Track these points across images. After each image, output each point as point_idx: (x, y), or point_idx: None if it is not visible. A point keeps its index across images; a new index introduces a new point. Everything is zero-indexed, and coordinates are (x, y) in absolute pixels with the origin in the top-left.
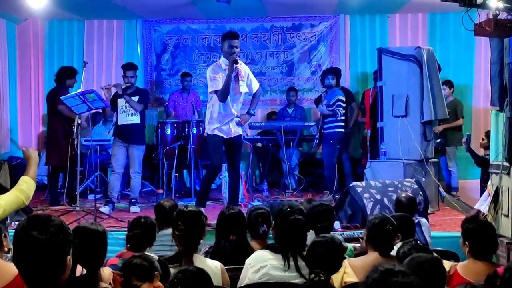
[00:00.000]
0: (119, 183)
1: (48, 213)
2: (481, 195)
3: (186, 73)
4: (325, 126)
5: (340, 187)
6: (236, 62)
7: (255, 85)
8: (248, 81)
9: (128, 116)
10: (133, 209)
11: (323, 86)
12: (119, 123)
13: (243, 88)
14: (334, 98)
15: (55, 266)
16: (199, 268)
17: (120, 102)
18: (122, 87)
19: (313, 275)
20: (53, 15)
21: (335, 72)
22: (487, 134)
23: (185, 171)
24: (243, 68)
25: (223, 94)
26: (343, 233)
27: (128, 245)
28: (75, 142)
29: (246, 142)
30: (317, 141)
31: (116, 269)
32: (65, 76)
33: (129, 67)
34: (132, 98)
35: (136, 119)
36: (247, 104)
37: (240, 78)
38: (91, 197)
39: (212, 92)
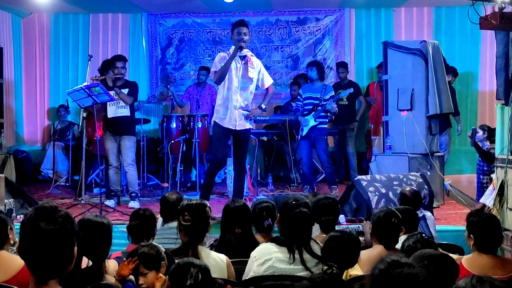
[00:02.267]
0: (119, 176)
1: (54, 204)
2: (478, 189)
3: (203, 67)
4: (320, 120)
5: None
6: (241, 48)
7: (268, 80)
8: (260, 75)
9: (118, 109)
10: (132, 204)
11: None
12: (109, 116)
13: (252, 74)
14: (329, 94)
15: (63, 256)
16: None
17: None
18: (112, 78)
19: (326, 267)
20: (58, 8)
21: (317, 64)
22: (482, 127)
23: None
24: (255, 60)
25: (219, 74)
26: (347, 227)
27: (131, 238)
28: (83, 135)
29: (251, 136)
30: (302, 133)
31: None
32: (104, 69)
33: (119, 58)
34: (122, 90)
35: (126, 112)
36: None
37: (250, 65)
38: (96, 190)
39: (211, 73)
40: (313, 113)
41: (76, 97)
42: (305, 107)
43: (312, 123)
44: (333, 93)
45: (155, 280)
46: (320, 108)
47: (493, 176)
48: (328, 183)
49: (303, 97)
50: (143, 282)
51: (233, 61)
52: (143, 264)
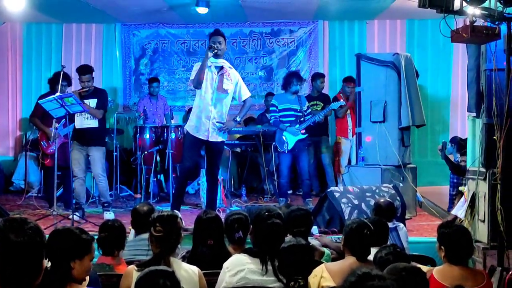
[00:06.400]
0: (84, 188)
1: (24, 216)
2: (450, 201)
3: (153, 79)
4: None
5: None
6: (210, 48)
7: (245, 93)
8: (237, 87)
9: (85, 119)
10: (107, 215)
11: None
12: (77, 127)
13: (227, 85)
14: (306, 105)
15: (31, 268)
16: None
17: None
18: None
19: (292, 283)
20: (31, 18)
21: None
22: (452, 140)
23: (162, 176)
24: (232, 72)
25: (197, 77)
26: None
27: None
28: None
29: (225, 147)
30: (288, 146)
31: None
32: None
33: (84, 71)
34: (90, 100)
35: (94, 123)
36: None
37: (225, 77)
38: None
39: (189, 81)
40: (297, 125)
41: (48, 107)
42: (282, 119)
43: (300, 136)
44: (308, 104)
45: None
46: (307, 119)
47: (461, 188)
48: (304, 196)
49: (279, 108)
50: None
51: (210, 72)
52: None
